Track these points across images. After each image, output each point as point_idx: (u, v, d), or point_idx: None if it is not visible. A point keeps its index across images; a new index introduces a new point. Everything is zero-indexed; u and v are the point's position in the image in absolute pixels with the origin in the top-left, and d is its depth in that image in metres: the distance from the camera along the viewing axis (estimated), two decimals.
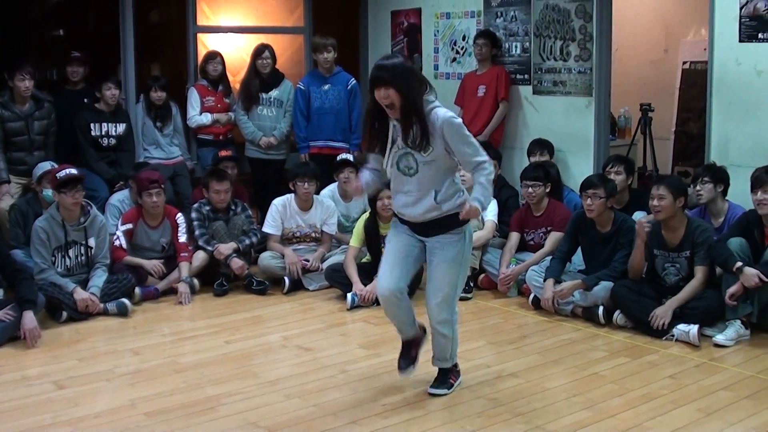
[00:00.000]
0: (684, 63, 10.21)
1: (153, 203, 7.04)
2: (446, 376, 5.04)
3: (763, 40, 6.67)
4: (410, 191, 4.69)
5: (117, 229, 7.10)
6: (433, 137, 4.55)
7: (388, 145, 4.68)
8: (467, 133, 4.63)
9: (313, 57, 8.70)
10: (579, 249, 6.68)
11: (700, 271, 5.98)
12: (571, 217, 6.80)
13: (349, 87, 8.59)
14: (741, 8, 6.76)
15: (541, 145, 8.02)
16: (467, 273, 4.85)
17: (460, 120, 4.62)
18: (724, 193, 6.47)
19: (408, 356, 5.02)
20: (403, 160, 4.65)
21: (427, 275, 4.89)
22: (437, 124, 4.55)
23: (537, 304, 6.61)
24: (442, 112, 4.58)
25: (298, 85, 8.64)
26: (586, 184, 6.47)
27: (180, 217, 7.25)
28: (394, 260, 4.84)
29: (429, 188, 4.64)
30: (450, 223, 4.70)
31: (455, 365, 5.08)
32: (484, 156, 4.64)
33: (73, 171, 6.57)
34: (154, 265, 7.04)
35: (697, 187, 6.44)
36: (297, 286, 7.25)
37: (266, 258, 7.41)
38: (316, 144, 8.57)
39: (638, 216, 6.57)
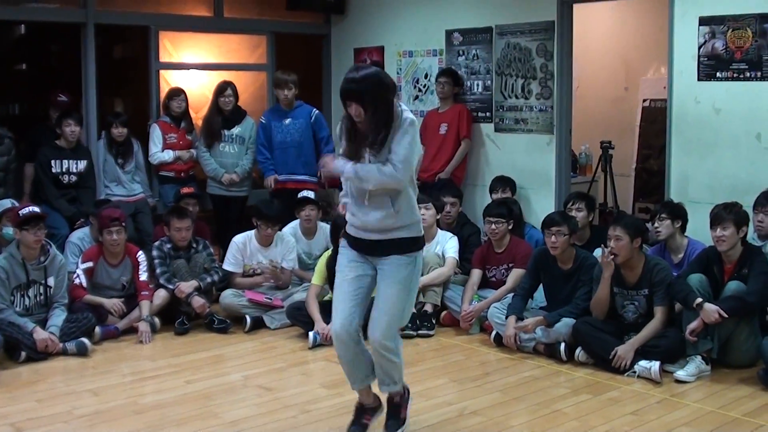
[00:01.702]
0: (644, 101, 10.32)
1: (113, 241, 6.98)
2: (398, 411, 4.76)
3: (721, 79, 6.79)
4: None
5: (77, 267, 7.03)
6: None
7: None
8: (411, 138, 4.40)
9: (274, 92, 8.70)
10: (541, 286, 6.71)
11: (659, 312, 6.02)
12: (532, 254, 6.82)
13: (312, 119, 8.57)
14: (699, 47, 6.87)
15: (503, 182, 8.08)
16: (413, 302, 4.68)
17: (416, 124, 4.46)
18: (683, 229, 6.54)
19: (359, 424, 4.77)
20: None
21: (374, 300, 4.64)
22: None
23: (499, 341, 6.61)
24: (411, 117, 4.43)
25: (260, 120, 8.67)
26: (549, 222, 6.50)
27: (141, 255, 7.19)
28: (345, 296, 4.60)
29: (384, 195, 4.43)
30: (405, 244, 4.53)
31: (405, 390, 4.78)
32: (400, 162, 4.37)
33: (36, 209, 6.54)
34: (114, 303, 6.96)
35: (656, 224, 6.51)
36: (258, 324, 7.20)
37: (228, 296, 7.36)
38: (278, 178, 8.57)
39: (598, 253, 6.60)
